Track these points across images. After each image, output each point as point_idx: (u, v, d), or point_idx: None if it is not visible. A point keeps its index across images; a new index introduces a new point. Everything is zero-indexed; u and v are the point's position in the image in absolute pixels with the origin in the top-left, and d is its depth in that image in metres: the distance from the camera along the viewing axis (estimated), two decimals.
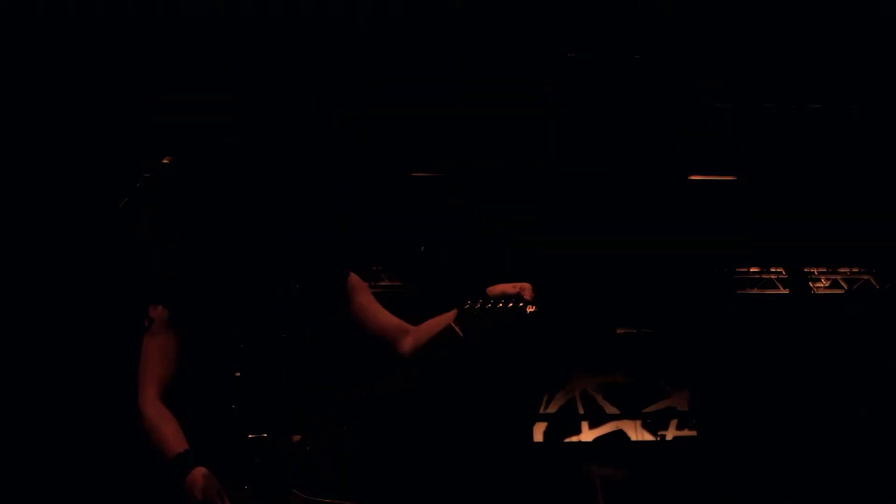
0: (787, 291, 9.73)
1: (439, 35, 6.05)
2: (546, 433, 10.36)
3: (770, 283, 9.82)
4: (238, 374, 2.97)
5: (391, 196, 7.94)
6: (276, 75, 6.23)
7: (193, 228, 3.11)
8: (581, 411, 10.41)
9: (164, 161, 2.99)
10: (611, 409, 10.44)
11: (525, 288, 3.00)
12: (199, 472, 2.87)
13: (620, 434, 10.43)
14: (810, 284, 9.73)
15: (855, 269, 9.77)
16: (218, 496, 2.84)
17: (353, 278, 3.18)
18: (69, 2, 5.52)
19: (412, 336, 3.13)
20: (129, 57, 5.98)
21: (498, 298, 2.99)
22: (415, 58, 6.23)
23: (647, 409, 10.43)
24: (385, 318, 3.19)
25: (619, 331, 10.12)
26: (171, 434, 2.94)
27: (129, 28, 5.71)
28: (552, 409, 10.39)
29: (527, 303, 2.97)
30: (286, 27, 5.85)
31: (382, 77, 6.38)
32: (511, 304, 2.97)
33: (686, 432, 10.35)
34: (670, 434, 10.38)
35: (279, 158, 3.13)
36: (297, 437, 2.94)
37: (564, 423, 10.40)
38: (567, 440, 10.36)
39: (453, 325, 2.99)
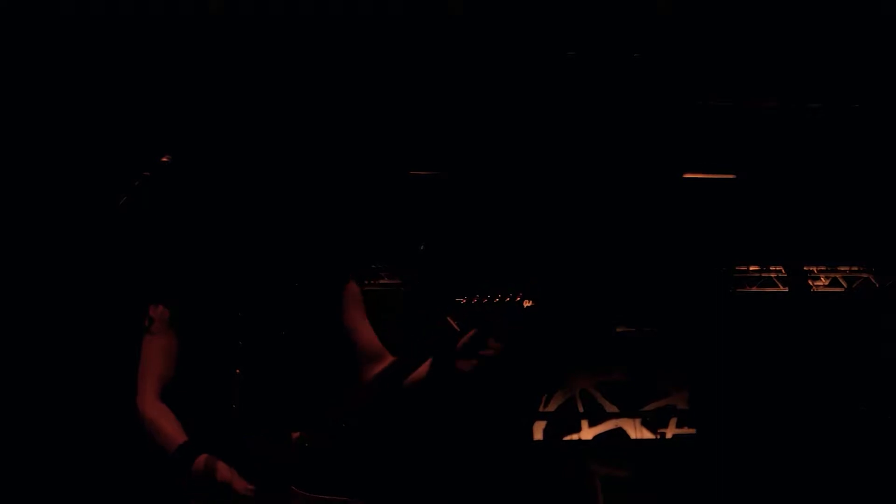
0: (786, 290, 9.72)
1: (439, 35, 6.04)
2: (546, 431, 10.35)
3: (769, 282, 9.82)
4: (238, 371, 2.97)
5: (391, 196, 7.93)
6: (276, 75, 6.23)
7: (193, 228, 3.12)
8: (581, 409, 10.41)
9: (164, 161, 2.99)
10: (610, 408, 10.43)
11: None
12: (204, 456, 2.88)
13: (620, 432, 10.43)
14: (810, 282, 9.73)
15: (855, 268, 9.77)
16: (228, 473, 2.85)
17: (352, 287, 3.16)
18: (69, 1, 5.52)
19: (383, 364, 3.09)
20: (129, 57, 5.97)
21: (494, 294, 2.98)
22: (415, 58, 6.23)
23: (647, 408, 10.43)
24: (367, 337, 3.16)
25: (618, 330, 10.12)
26: (171, 431, 2.96)
27: (129, 28, 5.71)
28: (552, 408, 10.38)
29: (523, 297, 2.97)
30: (286, 27, 5.85)
31: (382, 77, 6.38)
32: (508, 299, 2.97)
33: (685, 430, 10.34)
34: (670, 432, 10.37)
35: (279, 158, 3.13)
36: (296, 436, 2.94)
37: (564, 421, 10.40)
38: (566, 438, 10.35)
39: (450, 319, 2.99)
